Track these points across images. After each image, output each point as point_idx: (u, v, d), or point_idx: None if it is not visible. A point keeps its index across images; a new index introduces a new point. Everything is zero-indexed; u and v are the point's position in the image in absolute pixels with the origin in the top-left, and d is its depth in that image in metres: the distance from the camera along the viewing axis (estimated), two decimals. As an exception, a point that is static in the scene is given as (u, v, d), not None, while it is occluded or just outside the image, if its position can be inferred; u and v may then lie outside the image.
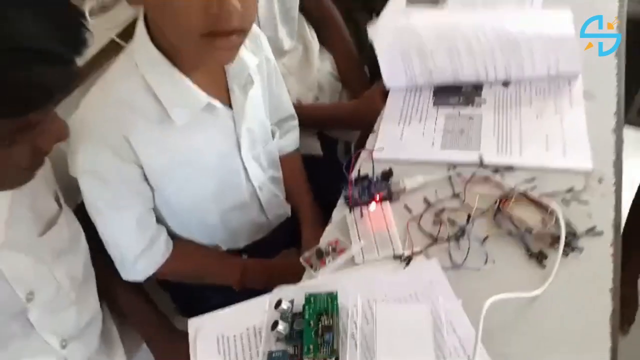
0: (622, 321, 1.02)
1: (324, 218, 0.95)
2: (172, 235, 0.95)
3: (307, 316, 0.68)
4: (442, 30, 1.01)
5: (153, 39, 0.78)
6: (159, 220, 0.93)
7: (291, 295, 0.72)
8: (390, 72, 1.03)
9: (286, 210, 1.07)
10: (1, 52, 0.47)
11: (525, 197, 0.79)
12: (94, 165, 0.81)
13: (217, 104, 0.85)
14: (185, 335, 0.96)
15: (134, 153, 0.81)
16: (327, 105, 1.29)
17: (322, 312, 0.68)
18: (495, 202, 0.79)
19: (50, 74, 0.51)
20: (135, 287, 0.96)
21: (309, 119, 1.16)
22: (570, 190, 0.79)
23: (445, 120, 0.96)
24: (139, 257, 0.89)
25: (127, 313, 0.95)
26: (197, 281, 1.01)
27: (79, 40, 0.54)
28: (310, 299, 0.70)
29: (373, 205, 0.82)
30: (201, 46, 0.72)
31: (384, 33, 1.04)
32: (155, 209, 0.91)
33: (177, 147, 0.84)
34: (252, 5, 0.72)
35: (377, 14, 1.26)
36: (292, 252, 1.07)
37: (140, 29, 0.79)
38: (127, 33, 1.21)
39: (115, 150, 0.80)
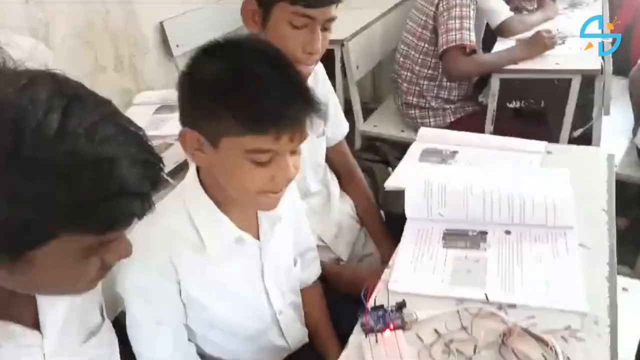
0: None
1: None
2: (200, 355, 1.02)
3: None
4: (458, 179, 1.17)
5: (200, 181, 0.94)
6: (189, 339, 1.01)
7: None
8: (413, 206, 1.18)
9: (304, 336, 1.14)
10: (106, 187, 0.60)
11: (526, 332, 0.86)
12: (142, 281, 0.91)
13: (246, 237, 0.98)
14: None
15: (176, 272, 0.92)
16: None
17: None
18: (500, 335, 0.86)
19: (135, 204, 0.64)
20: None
21: None
22: (567, 328, 0.87)
23: (454, 261, 1.07)
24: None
25: None
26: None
27: (159, 181, 0.68)
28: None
29: (387, 332, 0.89)
30: (254, 198, 0.89)
31: (417, 174, 1.21)
32: (186, 327, 0.99)
33: (210, 272, 0.95)
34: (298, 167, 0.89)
35: (392, 168, 1.44)
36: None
37: (193, 172, 0.96)
38: (174, 172, 1.39)
39: (161, 270, 0.91)
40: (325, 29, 1.14)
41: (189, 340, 1.00)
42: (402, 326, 0.91)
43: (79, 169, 0.58)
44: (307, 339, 1.15)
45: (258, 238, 1.01)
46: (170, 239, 0.92)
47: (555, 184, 1.21)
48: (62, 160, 0.58)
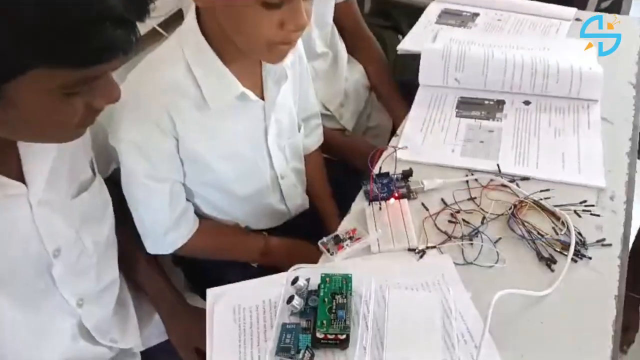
0: (621, 342, 1.04)
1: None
2: (197, 213, 0.99)
3: (322, 293, 0.71)
4: (479, 43, 1.07)
5: (202, 29, 0.83)
6: (187, 198, 0.97)
7: (308, 274, 0.75)
8: (428, 71, 1.09)
9: (305, 202, 1.11)
10: (87, 10, 0.52)
11: (538, 206, 0.82)
12: (137, 135, 0.85)
13: (250, 94, 0.89)
14: (196, 312, 1.00)
15: (174, 127, 0.86)
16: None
17: (337, 292, 0.71)
18: (510, 207, 0.82)
19: (119, 34, 0.56)
20: (154, 262, 0.99)
21: None
22: (582, 202, 0.83)
23: (466, 130, 1.00)
24: (169, 229, 0.93)
25: (144, 286, 0.98)
26: (219, 257, 1.04)
27: (144, 10, 0.59)
28: (325, 278, 0.73)
29: (392, 201, 0.85)
30: (264, 50, 0.80)
31: (437, 38, 1.12)
32: (184, 185, 0.94)
33: (210, 129, 0.88)
34: (310, 15, 0.79)
35: (403, 35, 1.32)
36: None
37: (192, 19, 0.84)
38: (166, 23, 1.27)
39: (158, 124, 0.85)
40: None
41: (187, 200, 0.97)
42: (408, 195, 0.87)
43: None
44: (307, 205, 1.12)
45: (262, 97, 0.93)
46: (167, 91, 0.84)
47: (583, 55, 1.11)
48: None
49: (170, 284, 1.00)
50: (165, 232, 0.93)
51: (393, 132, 1.36)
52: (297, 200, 1.08)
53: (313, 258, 0.81)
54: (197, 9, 0.84)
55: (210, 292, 0.77)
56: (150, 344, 0.97)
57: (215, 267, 1.06)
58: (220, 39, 0.83)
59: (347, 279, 0.73)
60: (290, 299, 0.71)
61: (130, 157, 0.87)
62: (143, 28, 0.63)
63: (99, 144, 0.89)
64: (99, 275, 0.86)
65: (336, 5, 1.29)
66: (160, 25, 1.23)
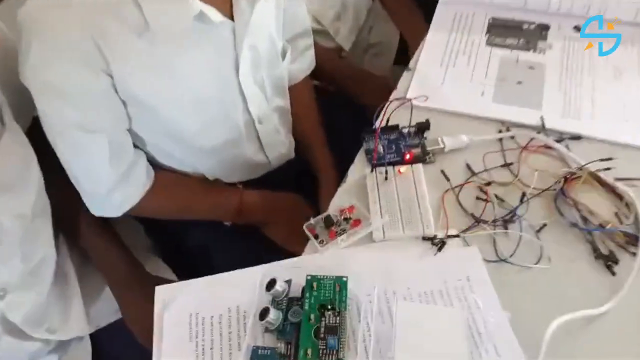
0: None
1: (338, 170, 0.78)
2: (152, 164, 0.78)
3: (307, 306, 0.53)
4: None
5: None
6: (137, 145, 0.75)
7: (288, 274, 0.56)
8: None
9: (290, 149, 0.89)
10: None
11: (597, 179, 0.62)
12: (52, 74, 0.62)
13: (213, 14, 0.65)
14: (158, 282, 0.82)
15: (106, 62, 0.62)
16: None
17: (327, 304, 0.53)
18: (558, 181, 0.62)
19: None
20: (102, 224, 0.80)
21: None
22: (656, 177, 0.62)
23: (499, 65, 0.77)
24: (114, 188, 0.73)
25: (90, 254, 0.80)
26: (185, 217, 0.85)
27: None
28: (312, 283, 0.54)
29: (403, 167, 0.64)
30: None
31: None
32: (131, 132, 0.72)
33: (157, 64, 0.65)
34: None
35: None
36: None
37: None
38: None
39: (82, 57, 0.61)
40: None
41: (137, 147, 0.75)
42: (423, 158, 0.66)
43: None
44: (292, 154, 0.90)
45: (231, 17, 0.68)
46: (95, 13, 0.60)
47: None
48: None
49: (123, 248, 0.82)
50: (108, 191, 0.72)
51: (400, 49, 1.13)
52: (279, 148, 0.86)
53: (303, 217, 0.62)
54: None
55: (160, 292, 0.59)
56: (100, 325, 0.80)
57: (181, 226, 0.87)
58: None
59: (340, 284, 0.54)
60: (264, 313, 0.53)
61: (48, 103, 0.64)
62: None
63: (11, 85, 0.66)
64: (26, 255, 0.68)
65: None
66: None
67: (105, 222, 0.80)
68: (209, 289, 0.58)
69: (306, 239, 0.61)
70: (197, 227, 0.86)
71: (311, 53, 0.92)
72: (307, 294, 0.54)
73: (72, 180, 0.72)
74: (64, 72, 0.62)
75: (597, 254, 0.57)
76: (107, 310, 0.80)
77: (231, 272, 0.59)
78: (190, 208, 0.83)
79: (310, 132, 0.92)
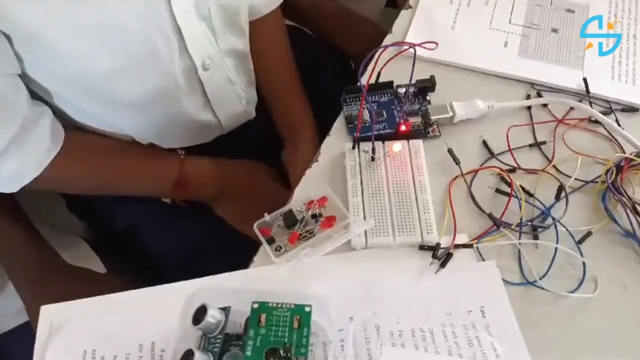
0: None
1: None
2: (64, 123, 0.58)
3: (249, 351, 0.36)
4: None
5: None
6: (40, 98, 0.56)
7: (226, 298, 0.39)
8: None
9: (249, 108, 0.69)
10: None
11: (662, 171, 0.45)
12: None
13: None
14: (79, 274, 0.65)
15: None
16: None
17: (279, 348, 0.36)
18: (608, 170, 0.45)
19: None
20: (1, 199, 0.61)
21: None
22: None
23: (528, 5, 0.58)
24: (3, 155, 0.54)
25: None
26: (108, 192, 0.67)
27: None
28: (259, 314, 0.37)
29: (396, 144, 0.46)
30: None
31: None
32: (27, 79, 0.52)
33: None
34: None
35: None
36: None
37: None
38: None
39: None
40: None
41: (40, 101, 0.55)
42: (424, 130, 0.48)
43: None
44: (252, 113, 0.70)
45: None
46: None
47: None
48: None
49: (29, 229, 0.63)
50: None
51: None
52: (234, 104, 0.66)
53: (268, 193, 0.54)
54: None
55: (45, 314, 0.41)
56: (4, 329, 0.63)
57: (110, 202, 0.69)
58: None
59: (301, 317, 0.37)
60: (187, 358, 0.36)
61: None
62: None
63: None
64: None
65: None
66: None
67: (4, 194, 0.61)
68: (114, 314, 0.41)
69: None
70: (127, 203, 0.68)
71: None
72: (252, 332, 0.37)
73: None
74: None
75: (662, 279, 0.41)
76: (11, 311, 0.63)
77: (146, 290, 0.41)
78: (114, 180, 0.64)
79: (281, 81, 0.71)
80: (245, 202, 0.66)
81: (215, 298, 0.39)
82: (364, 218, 0.43)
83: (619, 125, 0.49)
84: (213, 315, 0.38)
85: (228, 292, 0.39)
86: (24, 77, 0.53)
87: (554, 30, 0.56)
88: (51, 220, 0.69)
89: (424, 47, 0.43)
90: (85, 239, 0.72)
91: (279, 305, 0.38)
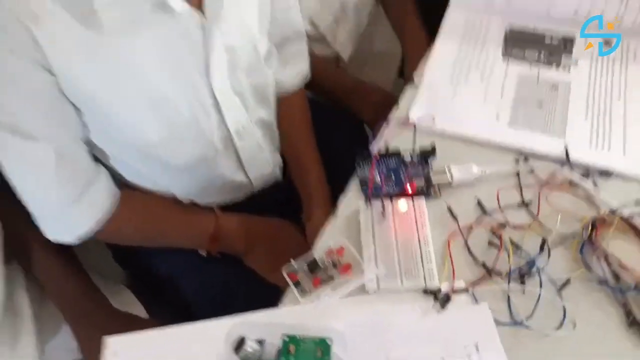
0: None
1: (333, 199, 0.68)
2: (118, 181, 0.68)
3: (281, 376, 0.44)
4: None
5: None
6: (99, 159, 0.66)
7: (261, 330, 0.47)
8: None
9: (275, 169, 0.79)
10: None
11: (631, 227, 0.52)
12: None
13: (176, 3, 0.55)
14: (124, 318, 0.73)
15: (42, 53, 0.52)
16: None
17: (305, 374, 0.44)
18: (585, 226, 0.53)
19: None
20: (58, 248, 0.70)
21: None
22: (701, 227, 0.53)
23: (517, 83, 0.68)
24: (67, 209, 0.63)
25: (43, 282, 0.70)
26: (154, 244, 0.76)
27: None
28: (289, 345, 0.45)
29: (403, 203, 0.55)
30: None
31: None
32: (90, 144, 0.63)
33: (107, 59, 0.55)
34: None
35: None
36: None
37: None
38: None
39: (11, 47, 0.52)
40: None
41: (97, 160, 0.65)
42: (427, 191, 0.57)
43: None
44: (278, 175, 0.80)
45: (200, 9, 0.58)
46: None
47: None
48: None
49: (83, 277, 0.72)
50: (60, 213, 0.63)
51: (404, 63, 1.03)
52: (263, 168, 0.76)
53: (292, 247, 0.57)
54: None
55: (109, 344, 0.49)
56: (56, 366, 0.71)
57: (152, 253, 0.77)
58: None
59: (322, 348, 0.45)
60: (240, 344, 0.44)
61: None
62: None
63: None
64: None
65: None
66: None
67: (62, 246, 0.70)
68: (166, 344, 0.49)
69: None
70: (167, 254, 0.77)
71: (304, 59, 0.82)
72: (284, 357, 0.44)
73: (21, 197, 0.62)
74: None
75: (631, 320, 0.48)
76: (65, 348, 0.71)
77: (192, 325, 0.50)
78: (160, 233, 0.73)
79: (302, 150, 0.81)
80: (272, 255, 0.75)
81: (252, 331, 0.46)
82: (376, 266, 0.51)
83: (596, 187, 0.57)
84: (251, 346, 0.45)
85: (262, 326, 0.47)
86: (87, 141, 0.63)
87: (540, 105, 0.65)
88: (99, 269, 0.78)
89: (422, 120, 0.52)
90: (128, 286, 0.81)
91: (305, 338, 0.46)
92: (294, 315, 0.49)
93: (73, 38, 0.52)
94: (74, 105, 0.58)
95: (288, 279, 0.51)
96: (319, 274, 0.51)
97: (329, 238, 0.55)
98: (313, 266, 0.52)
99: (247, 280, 0.75)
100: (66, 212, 0.63)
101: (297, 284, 0.51)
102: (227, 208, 0.76)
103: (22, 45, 0.51)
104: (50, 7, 0.51)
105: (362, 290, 0.50)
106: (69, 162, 0.61)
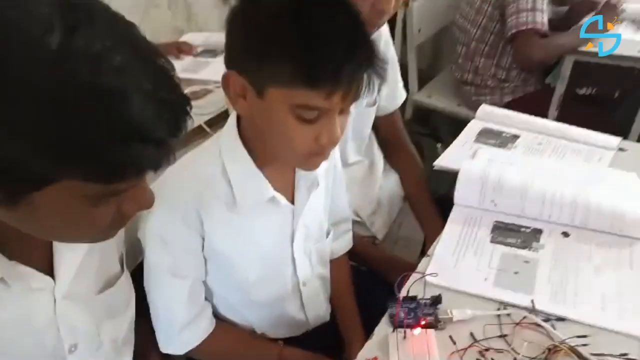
0: None
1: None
2: (212, 312, 0.98)
3: None
4: (518, 168, 1.08)
5: (240, 132, 0.86)
6: (206, 297, 0.96)
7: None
8: (465, 191, 1.08)
9: (326, 313, 1.08)
10: (111, 126, 0.50)
11: (575, 353, 0.77)
12: (163, 230, 0.86)
13: (281, 199, 0.90)
14: None
15: (202, 225, 0.87)
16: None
17: None
18: (544, 351, 0.77)
19: (147, 152, 0.53)
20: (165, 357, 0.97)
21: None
22: (624, 355, 0.77)
23: (500, 258, 0.97)
24: (184, 328, 0.92)
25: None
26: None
27: (180, 127, 0.56)
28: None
29: (418, 330, 0.81)
30: (298, 159, 0.83)
31: (473, 157, 1.15)
32: (205, 285, 0.94)
33: (237, 229, 0.89)
34: (345, 129, 0.81)
35: (442, 144, 1.33)
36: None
37: (232, 121, 0.88)
38: (213, 121, 1.32)
39: (186, 220, 0.86)
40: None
41: (206, 299, 0.96)
42: (435, 324, 0.83)
43: (76, 101, 0.48)
44: (327, 317, 1.08)
45: (292, 202, 0.93)
46: (201, 189, 0.86)
47: (626, 188, 1.09)
48: (57, 88, 0.47)
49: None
50: (180, 330, 0.91)
51: (424, 245, 1.35)
52: (318, 310, 1.05)
53: None
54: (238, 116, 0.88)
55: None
56: None
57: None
58: (256, 142, 0.86)
59: None
60: None
61: (155, 251, 0.87)
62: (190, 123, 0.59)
63: (131, 238, 0.90)
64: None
65: (378, 117, 1.32)
66: (206, 122, 1.28)
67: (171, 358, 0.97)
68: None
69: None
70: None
71: (349, 235, 1.16)
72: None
73: (152, 316, 0.91)
74: (172, 228, 0.86)
75: (576, 414, 0.70)
76: None
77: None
78: (239, 355, 1.00)
79: (344, 300, 1.11)
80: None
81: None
82: (399, 368, 0.76)
83: (553, 327, 0.82)
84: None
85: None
86: (204, 283, 0.94)
87: (516, 272, 0.93)
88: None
89: (430, 277, 0.81)
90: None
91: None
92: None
93: (221, 217, 0.87)
94: (205, 257, 0.91)
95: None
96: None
97: (366, 352, 0.81)
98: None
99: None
100: (184, 329, 0.92)
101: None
102: (287, 341, 1.03)
103: (194, 225, 0.86)
104: (211, 199, 0.86)
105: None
106: (194, 295, 0.92)
